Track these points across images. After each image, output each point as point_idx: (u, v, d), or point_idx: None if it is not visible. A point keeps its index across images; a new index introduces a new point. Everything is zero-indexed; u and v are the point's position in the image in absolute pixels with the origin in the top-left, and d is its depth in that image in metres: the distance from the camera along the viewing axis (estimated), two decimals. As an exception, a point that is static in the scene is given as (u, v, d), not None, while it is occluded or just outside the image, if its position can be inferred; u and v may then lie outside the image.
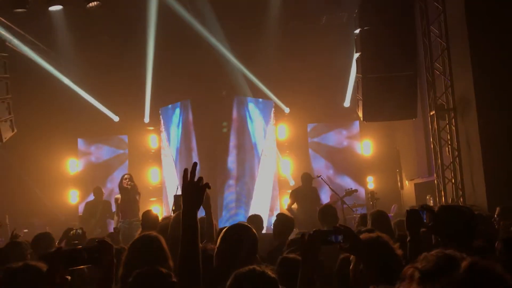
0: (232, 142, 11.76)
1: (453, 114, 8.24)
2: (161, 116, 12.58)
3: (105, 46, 11.28)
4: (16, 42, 10.00)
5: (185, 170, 2.20)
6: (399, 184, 11.96)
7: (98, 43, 11.24)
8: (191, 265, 2.12)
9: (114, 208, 9.35)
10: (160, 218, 6.02)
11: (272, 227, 9.08)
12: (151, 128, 12.73)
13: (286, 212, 9.90)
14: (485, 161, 7.37)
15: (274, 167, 12.28)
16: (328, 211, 5.29)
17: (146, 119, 12.43)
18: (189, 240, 2.16)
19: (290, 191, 9.59)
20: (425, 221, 3.14)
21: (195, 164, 2.20)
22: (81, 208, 11.87)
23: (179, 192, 8.59)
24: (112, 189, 12.10)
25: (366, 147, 12.39)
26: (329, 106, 12.01)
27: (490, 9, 7.40)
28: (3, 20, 9.69)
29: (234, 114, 11.94)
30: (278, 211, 11.54)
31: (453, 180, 8.19)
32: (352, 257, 2.59)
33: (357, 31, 8.23)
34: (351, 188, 10.07)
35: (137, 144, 12.76)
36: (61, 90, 11.66)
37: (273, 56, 11.05)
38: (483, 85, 7.48)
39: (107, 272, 2.25)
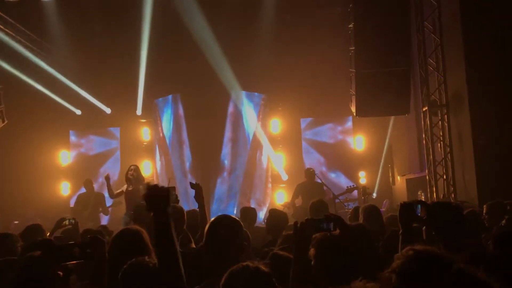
0: (226, 135, 11.73)
1: (445, 111, 8.27)
2: (158, 107, 12.54)
3: (97, 37, 11.18)
4: (7, 32, 9.88)
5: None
6: (391, 179, 12.02)
7: (91, 34, 11.13)
8: (169, 264, 2.09)
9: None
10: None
11: (262, 221, 9.15)
12: (144, 120, 12.67)
13: (279, 207, 9.97)
14: (477, 157, 7.42)
15: (266, 161, 12.27)
16: (320, 206, 5.31)
17: (139, 112, 12.36)
18: (161, 238, 2.10)
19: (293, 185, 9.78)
20: (418, 215, 3.16)
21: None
22: (72, 200, 11.82)
23: (172, 184, 8.57)
24: (103, 182, 12.07)
25: (359, 142, 12.42)
26: (323, 101, 12.00)
27: (484, 6, 7.42)
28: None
29: (229, 108, 11.90)
30: (270, 205, 11.65)
31: (444, 176, 8.24)
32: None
33: (351, 25, 8.21)
34: (351, 186, 10.08)
35: (129, 136, 12.70)
36: (53, 81, 11.57)
37: (266, 50, 11.02)
38: (476, 82, 7.52)
39: (99, 267, 2.24)
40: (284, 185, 12.07)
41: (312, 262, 2.56)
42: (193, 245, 3.95)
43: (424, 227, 3.43)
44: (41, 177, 12.01)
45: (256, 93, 12.18)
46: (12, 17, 9.99)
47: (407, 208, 3.07)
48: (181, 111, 11.94)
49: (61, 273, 2.12)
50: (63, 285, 2.33)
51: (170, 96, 12.20)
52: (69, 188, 12.46)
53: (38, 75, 11.24)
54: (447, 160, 8.20)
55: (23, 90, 11.22)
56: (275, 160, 12.33)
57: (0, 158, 11.54)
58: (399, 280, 1.60)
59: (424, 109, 8.53)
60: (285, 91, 11.96)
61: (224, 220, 2.72)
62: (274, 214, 5.46)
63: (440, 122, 8.42)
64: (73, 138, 13.01)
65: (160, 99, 12.44)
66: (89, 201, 9.60)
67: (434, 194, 8.28)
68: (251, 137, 12.08)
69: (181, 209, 3.79)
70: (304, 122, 12.70)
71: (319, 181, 9.72)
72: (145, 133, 12.68)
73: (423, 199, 8.90)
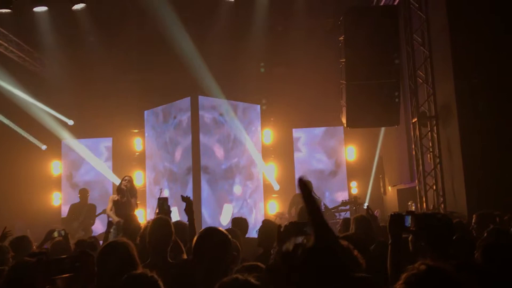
0: (218, 145, 11.73)
1: (435, 122, 8.36)
2: (146, 119, 12.56)
3: (90, 47, 11.22)
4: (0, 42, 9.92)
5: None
6: (382, 189, 12.09)
7: (83, 44, 11.19)
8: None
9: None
10: (144, 222, 5.99)
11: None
12: (136, 130, 12.69)
13: (272, 217, 10.04)
14: (466, 168, 7.48)
15: (259, 172, 12.30)
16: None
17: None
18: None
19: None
20: (408, 226, 3.21)
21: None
22: (63, 211, 11.79)
23: (164, 195, 8.55)
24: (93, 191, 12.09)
25: (350, 152, 12.51)
26: (314, 112, 12.08)
27: (472, 19, 7.53)
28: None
29: (222, 118, 11.92)
30: (262, 216, 11.67)
31: (434, 187, 8.31)
32: None
33: (342, 38, 8.31)
34: (347, 200, 10.15)
35: (121, 146, 12.70)
36: (44, 91, 11.58)
37: (258, 61, 11.12)
38: (464, 94, 7.60)
39: (88, 281, 2.26)
40: (276, 195, 12.11)
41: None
42: (185, 256, 3.97)
43: (410, 238, 3.48)
44: (33, 188, 11.98)
45: (247, 104, 12.24)
46: (5, 28, 10.03)
47: (397, 219, 3.12)
48: (174, 120, 11.95)
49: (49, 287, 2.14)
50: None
51: (160, 106, 12.22)
52: (60, 199, 12.43)
53: (30, 85, 11.26)
54: (437, 170, 8.28)
55: (14, 99, 11.25)
56: (267, 171, 12.37)
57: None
58: None
59: (413, 121, 8.62)
60: (277, 101, 12.05)
61: (212, 234, 2.74)
62: (266, 225, 5.28)
63: (429, 133, 8.51)
64: (65, 148, 12.98)
65: (151, 110, 12.47)
66: (82, 211, 9.58)
67: (424, 204, 8.35)
68: (247, 146, 12.12)
69: (168, 220, 3.81)
70: (296, 133, 12.77)
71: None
72: (137, 143, 12.69)
73: (413, 209, 8.97)
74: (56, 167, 12.74)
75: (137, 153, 12.66)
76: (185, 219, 4.34)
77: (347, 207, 10.13)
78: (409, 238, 3.50)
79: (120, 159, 12.54)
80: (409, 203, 9.47)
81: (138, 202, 11.67)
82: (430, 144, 8.47)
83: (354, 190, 12.18)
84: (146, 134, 12.50)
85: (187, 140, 11.24)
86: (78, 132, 12.59)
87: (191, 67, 11.19)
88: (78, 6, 8.58)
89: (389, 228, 3.10)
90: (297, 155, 12.69)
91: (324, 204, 9.42)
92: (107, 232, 6.27)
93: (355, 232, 4.47)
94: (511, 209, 5.91)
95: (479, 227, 5.39)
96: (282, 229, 2.61)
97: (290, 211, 9.51)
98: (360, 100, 8.16)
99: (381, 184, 12.09)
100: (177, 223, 4.35)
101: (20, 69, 11.41)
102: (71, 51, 11.24)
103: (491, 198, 7.05)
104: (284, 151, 12.54)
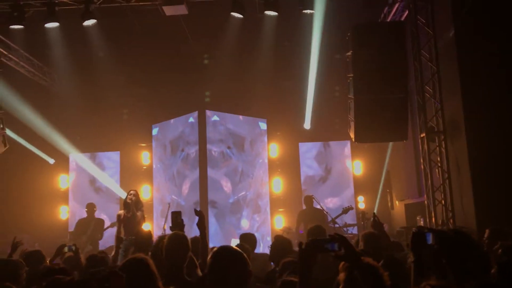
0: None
1: (443, 137, 8.36)
2: (157, 133, 12.62)
3: (99, 62, 11.35)
4: (11, 57, 10.04)
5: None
6: (389, 204, 12.05)
7: (93, 59, 11.32)
8: None
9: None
10: (152, 235, 6.00)
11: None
12: (143, 144, 12.75)
13: (279, 232, 10.05)
14: (474, 183, 7.46)
15: (266, 204, 12.28)
16: (317, 231, 5.26)
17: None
18: None
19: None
20: (429, 243, 3.19)
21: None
22: (71, 224, 11.81)
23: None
24: (102, 206, 12.12)
25: (357, 167, 12.51)
26: (321, 126, 12.12)
27: (479, 34, 7.57)
28: (-2, 35, 9.77)
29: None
30: (269, 231, 11.67)
31: (443, 202, 8.27)
32: (342, 266, 2.68)
33: (349, 53, 8.36)
34: (348, 206, 10.18)
35: (129, 160, 12.76)
36: (54, 105, 11.69)
37: (265, 75, 11.20)
38: (472, 109, 7.62)
39: None
40: (282, 209, 12.11)
41: (341, 287, 2.58)
42: (199, 271, 3.97)
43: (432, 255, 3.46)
44: (40, 201, 12.03)
45: (261, 119, 12.33)
46: (16, 43, 10.18)
47: (419, 236, 3.10)
48: (184, 133, 12.00)
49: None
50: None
51: (172, 120, 12.29)
52: (68, 212, 12.47)
53: (39, 99, 11.37)
54: (445, 186, 8.26)
55: (23, 113, 11.34)
56: (274, 185, 12.38)
57: (0, 181, 11.57)
58: None
59: (421, 135, 8.62)
60: (284, 115, 12.10)
61: (227, 252, 2.74)
62: (278, 240, 5.32)
63: (437, 148, 8.50)
64: (73, 162, 13.05)
65: (158, 124, 12.54)
66: (89, 226, 9.61)
67: (433, 219, 8.31)
68: (251, 162, 12.14)
69: (185, 236, 3.82)
70: (302, 147, 12.79)
71: (318, 206, 9.84)
72: (144, 157, 12.74)
73: (422, 225, 8.93)
74: (63, 181, 12.80)
75: (144, 167, 12.70)
76: (197, 232, 4.36)
77: (354, 217, 10.16)
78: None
79: (128, 172, 12.59)
80: (418, 218, 9.44)
81: (145, 215, 11.72)
82: (439, 159, 8.46)
83: (362, 205, 12.16)
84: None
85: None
86: (86, 146, 12.67)
87: (199, 82, 11.30)
88: (89, 22, 8.69)
89: (411, 246, 3.09)
90: (303, 170, 12.72)
91: (332, 218, 9.39)
92: (117, 247, 6.28)
93: (364, 248, 4.46)
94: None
95: (491, 242, 5.37)
96: (303, 246, 2.63)
97: (298, 226, 9.54)
98: (368, 115, 8.17)
99: (389, 199, 12.06)
100: (194, 239, 4.35)
101: (30, 84, 11.54)
102: (80, 66, 11.38)
103: (500, 213, 7.01)
104: (291, 165, 12.55)
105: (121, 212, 8.12)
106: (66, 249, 5.25)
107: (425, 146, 8.50)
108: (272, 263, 5.31)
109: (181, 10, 8.59)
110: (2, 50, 10.10)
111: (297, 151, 12.76)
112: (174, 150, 12.03)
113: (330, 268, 3.10)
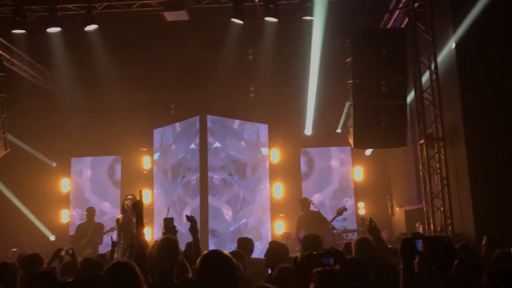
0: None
1: (442, 143, 8.37)
2: (157, 136, 12.64)
3: (100, 67, 11.41)
4: (13, 61, 10.12)
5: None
6: (389, 210, 12.04)
7: (94, 63, 11.38)
8: None
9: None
10: (150, 240, 6.03)
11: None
12: (144, 149, 12.80)
13: (279, 237, 10.04)
14: (473, 190, 7.46)
15: (266, 191, 12.31)
16: (312, 240, 5.24)
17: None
18: None
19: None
20: (419, 250, 3.22)
21: None
22: (71, 228, 11.86)
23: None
24: (103, 210, 12.18)
25: (357, 173, 12.51)
26: (322, 132, 12.14)
27: (479, 40, 7.60)
28: (1, 39, 9.84)
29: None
30: (269, 236, 11.66)
31: (441, 208, 8.27)
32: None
33: (349, 60, 8.39)
34: (341, 207, 10.05)
35: (130, 164, 12.81)
36: (56, 109, 11.77)
37: (266, 81, 11.24)
38: (471, 115, 7.63)
39: None
40: (283, 215, 12.11)
41: None
42: (191, 275, 3.99)
43: (417, 260, 3.49)
44: (42, 205, 12.06)
45: (256, 123, 12.31)
46: (19, 47, 10.26)
47: (409, 243, 3.13)
48: (183, 137, 12.01)
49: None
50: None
51: (171, 125, 12.32)
52: (69, 216, 12.52)
53: (41, 103, 11.45)
54: (444, 192, 8.26)
55: (26, 117, 11.43)
56: (275, 190, 12.39)
57: (1, 184, 11.62)
58: None
59: (421, 142, 8.64)
60: (285, 121, 12.13)
61: (216, 256, 2.76)
62: (273, 246, 5.28)
63: (437, 154, 8.51)
64: (74, 165, 13.10)
65: (160, 128, 12.58)
66: (88, 231, 9.64)
67: (432, 226, 8.31)
68: (252, 166, 12.14)
69: (175, 240, 3.85)
70: (303, 153, 12.81)
71: (315, 209, 9.82)
72: (145, 162, 12.79)
73: (421, 231, 8.92)
74: (65, 185, 12.85)
75: (145, 171, 12.74)
76: (189, 239, 4.38)
77: (354, 223, 10.09)
78: (415, 261, 3.51)
79: (129, 177, 12.63)
80: (417, 225, 9.43)
81: (145, 220, 11.72)
82: (438, 166, 8.47)
83: (362, 211, 12.16)
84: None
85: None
86: (88, 150, 12.72)
87: (200, 87, 11.35)
88: (91, 27, 8.75)
89: (401, 253, 3.12)
90: (304, 175, 12.72)
91: (331, 226, 9.38)
92: (112, 251, 6.31)
93: (355, 255, 4.44)
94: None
95: (489, 249, 5.37)
96: (299, 262, 2.65)
97: (298, 232, 9.47)
98: (367, 121, 8.20)
99: (389, 205, 12.05)
100: (190, 244, 4.36)
101: (32, 88, 11.62)
102: (82, 71, 11.44)
103: (499, 220, 7.02)
104: (292, 170, 12.57)
105: (120, 216, 8.16)
106: (63, 252, 5.27)
107: (424, 153, 8.52)
108: (269, 268, 5.30)
109: (182, 16, 8.65)
110: (4, 54, 10.19)
111: (298, 157, 12.78)
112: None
113: None
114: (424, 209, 8.57)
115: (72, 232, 11.26)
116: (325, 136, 12.20)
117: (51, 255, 5.33)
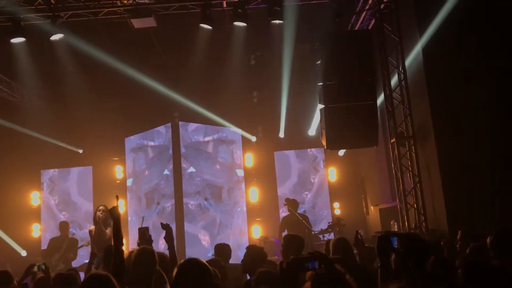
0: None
1: (412, 142, 8.51)
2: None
3: (68, 76, 11.19)
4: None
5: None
6: (364, 209, 12.17)
7: (62, 73, 11.15)
8: None
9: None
10: (126, 251, 5.91)
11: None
12: (116, 158, 12.61)
13: (256, 241, 9.99)
14: (445, 186, 7.61)
15: (243, 214, 12.20)
16: (293, 241, 5.20)
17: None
18: None
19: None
20: (395, 247, 3.25)
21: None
22: (43, 242, 11.56)
23: (145, 224, 8.44)
24: (74, 221, 11.94)
25: (331, 173, 12.62)
26: (295, 134, 12.21)
27: (444, 40, 7.77)
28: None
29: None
30: (247, 240, 11.62)
31: (415, 205, 8.40)
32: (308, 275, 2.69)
33: (319, 62, 8.45)
34: (332, 222, 10.07)
35: (102, 175, 12.58)
36: (24, 121, 11.47)
37: (239, 85, 11.22)
38: (439, 113, 7.80)
39: None
40: (259, 219, 12.10)
41: None
42: (168, 287, 3.93)
43: (393, 258, 3.52)
44: (11, 219, 11.73)
45: (229, 128, 12.26)
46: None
47: (385, 241, 3.16)
48: (156, 144, 11.86)
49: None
50: None
51: (141, 133, 12.17)
52: (40, 230, 12.21)
53: (8, 115, 11.15)
54: (417, 189, 8.39)
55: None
56: (250, 194, 12.37)
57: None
58: None
59: (392, 141, 8.76)
60: (258, 125, 12.14)
61: (192, 265, 2.74)
62: (251, 251, 5.16)
63: (408, 153, 8.64)
64: (44, 178, 12.80)
65: (131, 137, 12.41)
66: (62, 246, 9.41)
67: (406, 223, 8.42)
68: (227, 171, 12.09)
69: (153, 251, 3.79)
70: (277, 155, 12.84)
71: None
72: (118, 171, 12.59)
73: (396, 229, 9.04)
74: (35, 198, 12.53)
75: (117, 181, 12.55)
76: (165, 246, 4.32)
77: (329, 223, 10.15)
78: (392, 258, 3.55)
79: (101, 187, 12.40)
80: (392, 222, 9.55)
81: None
82: (409, 164, 8.60)
83: (337, 211, 12.27)
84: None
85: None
86: (58, 161, 12.45)
87: (171, 93, 11.25)
88: (56, 37, 8.57)
89: (377, 250, 3.15)
90: (279, 178, 12.74)
91: (308, 228, 9.39)
92: (90, 263, 6.17)
93: (332, 255, 4.47)
94: (490, 226, 6.01)
95: (463, 243, 5.48)
96: (284, 266, 2.63)
97: (281, 233, 9.34)
98: (339, 122, 8.26)
99: (364, 204, 12.18)
100: (159, 254, 4.30)
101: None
102: (49, 81, 11.20)
103: (471, 214, 7.17)
104: (266, 174, 12.58)
105: (93, 228, 8.00)
106: (35, 268, 5.12)
107: (396, 151, 8.64)
108: (247, 274, 5.24)
109: (149, 22, 8.56)
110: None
111: (273, 160, 12.80)
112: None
113: None
114: (398, 206, 8.69)
115: (44, 246, 10.97)
116: (299, 138, 12.26)
117: (23, 271, 5.18)
